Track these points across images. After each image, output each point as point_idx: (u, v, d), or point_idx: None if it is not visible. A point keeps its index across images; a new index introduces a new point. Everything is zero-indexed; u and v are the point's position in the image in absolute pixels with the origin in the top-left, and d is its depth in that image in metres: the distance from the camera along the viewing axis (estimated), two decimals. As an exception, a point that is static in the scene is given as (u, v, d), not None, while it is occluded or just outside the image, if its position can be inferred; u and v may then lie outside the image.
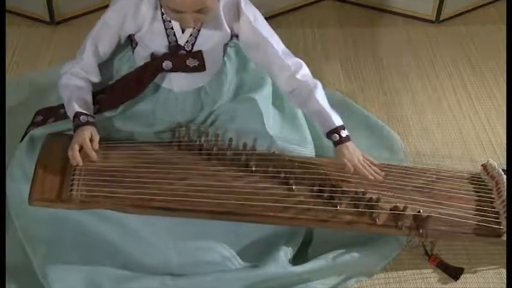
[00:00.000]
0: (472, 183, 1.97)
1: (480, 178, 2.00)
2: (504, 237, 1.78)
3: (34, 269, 1.70)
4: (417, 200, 1.82)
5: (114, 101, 1.89)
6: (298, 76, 1.87)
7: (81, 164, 1.72)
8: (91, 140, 1.75)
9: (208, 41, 1.83)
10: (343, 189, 1.80)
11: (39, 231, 1.73)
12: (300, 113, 2.07)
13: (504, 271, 1.83)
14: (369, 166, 1.82)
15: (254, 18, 1.84)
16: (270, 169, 1.83)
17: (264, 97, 1.99)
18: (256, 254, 1.75)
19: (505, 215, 1.82)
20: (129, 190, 1.69)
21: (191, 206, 1.68)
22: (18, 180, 1.79)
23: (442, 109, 2.51)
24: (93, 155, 1.74)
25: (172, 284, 1.67)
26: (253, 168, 1.83)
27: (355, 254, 1.78)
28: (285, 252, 1.75)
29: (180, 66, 1.84)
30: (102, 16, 1.84)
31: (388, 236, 1.83)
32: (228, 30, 1.84)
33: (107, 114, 1.89)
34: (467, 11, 3.13)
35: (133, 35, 1.84)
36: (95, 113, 1.83)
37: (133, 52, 1.89)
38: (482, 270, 1.85)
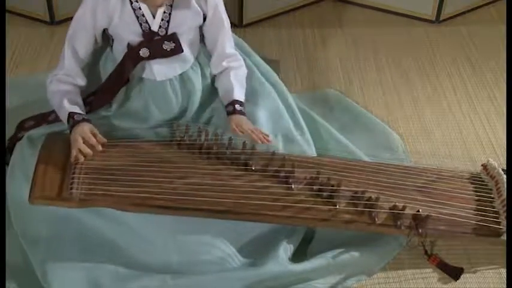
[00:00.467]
0: (471, 183, 1.97)
1: (480, 178, 2.00)
2: (504, 237, 1.78)
3: (34, 268, 1.70)
4: (417, 200, 1.82)
5: (102, 100, 1.90)
6: (226, 63, 1.93)
7: (91, 154, 1.74)
8: (93, 134, 1.76)
9: (182, 23, 1.84)
10: (342, 188, 1.80)
11: (39, 230, 1.74)
12: (298, 112, 2.07)
13: (504, 271, 1.83)
14: (258, 132, 1.83)
15: (219, 1, 1.89)
16: (269, 168, 1.83)
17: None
18: (256, 250, 1.75)
19: (505, 214, 1.82)
20: (128, 188, 1.69)
21: (191, 205, 1.68)
22: (18, 179, 1.80)
23: (442, 109, 2.51)
24: (98, 147, 1.75)
25: (173, 283, 1.67)
26: (253, 168, 1.83)
27: (355, 253, 1.78)
28: (285, 250, 1.75)
29: (157, 52, 1.84)
30: (74, 17, 1.84)
31: (387, 235, 1.83)
32: (199, 9, 1.85)
33: (103, 113, 1.90)
34: (467, 11, 3.13)
35: (107, 30, 1.84)
36: (86, 113, 1.84)
37: (112, 50, 1.89)
38: (482, 270, 1.84)
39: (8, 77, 2.46)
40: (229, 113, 1.87)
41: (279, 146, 1.92)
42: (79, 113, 1.79)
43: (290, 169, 1.82)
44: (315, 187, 1.80)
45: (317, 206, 1.75)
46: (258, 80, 2.05)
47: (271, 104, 2.02)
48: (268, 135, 1.85)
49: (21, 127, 1.95)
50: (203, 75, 1.95)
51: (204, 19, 1.88)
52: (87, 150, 1.74)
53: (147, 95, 1.90)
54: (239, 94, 1.91)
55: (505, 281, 1.79)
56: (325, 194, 1.79)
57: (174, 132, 1.91)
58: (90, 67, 1.93)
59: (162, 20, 1.82)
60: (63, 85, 1.85)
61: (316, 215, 1.74)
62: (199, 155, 1.85)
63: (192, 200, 1.68)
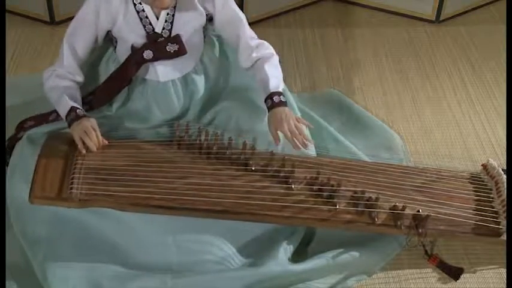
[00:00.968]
0: (471, 183, 1.97)
1: (480, 178, 2.00)
2: (503, 237, 1.78)
3: (34, 268, 1.70)
4: (416, 200, 1.82)
5: (102, 99, 1.90)
6: (255, 54, 1.90)
7: (94, 149, 1.75)
8: (94, 130, 1.76)
9: (185, 24, 1.83)
10: (342, 188, 1.80)
11: (39, 230, 1.73)
12: (298, 112, 2.07)
13: (504, 271, 1.83)
14: (299, 134, 1.79)
15: None
16: (269, 168, 1.83)
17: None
18: (256, 250, 1.75)
19: (504, 214, 1.82)
20: (128, 188, 1.69)
21: (190, 205, 1.68)
22: (18, 179, 1.79)
23: (442, 109, 2.51)
24: (100, 143, 1.75)
25: (173, 283, 1.67)
26: (253, 168, 1.83)
27: (355, 253, 1.78)
28: (285, 250, 1.75)
29: (161, 54, 1.84)
30: (75, 16, 1.84)
31: (387, 235, 1.83)
32: (202, 10, 1.84)
33: (103, 113, 1.90)
34: (467, 11, 3.13)
35: (111, 31, 1.84)
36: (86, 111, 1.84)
37: (115, 51, 1.89)
38: (482, 270, 1.85)
39: (8, 77, 2.45)
40: (268, 109, 1.83)
41: (279, 146, 1.92)
42: (80, 109, 1.79)
43: (290, 169, 1.82)
44: (314, 187, 1.80)
45: (317, 206, 1.75)
46: None
47: None
48: (307, 140, 1.82)
49: (21, 127, 1.95)
50: (206, 77, 1.95)
51: (210, 19, 1.87)
52: (91, 144, 1.75)
53: (149, 96, 1.90)
54: (275, 84, 1.86)
55: (505, 281, 1.79)
56: (325, 194, 1.79)
57: (175, 132, 1.91)
58: (92, 68, 1.93)
59: (166, 21, 1.82)
60: (62, 81, 1.85)
61: (316, 215, 1.74)
62: (199, 155, 1.85)
63: (192, 200, 1.68)
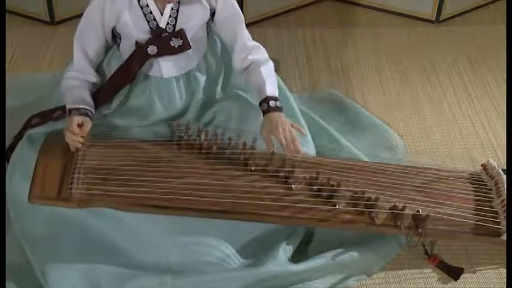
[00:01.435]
0: (471, 183, 1.97)
1: (480, 178, 2.00)
2: (503, 237, 1.78)
3: (34, 268, 1.70)
4: (416, 200, 1.82)
5: (105, 96, 1.89)
6: (252, 57, 1.90)
7: (78, 145, 1.75)
8: (80, 126, 1.76)
9: (190, 19, 1.83)
10: (342, 188, 1.79)
11: (38, 230, 1.74)
12: (298, 113, 2.07)
13: (504, 271, 1.83)
14: (292, 143, 1.78)
15: None
16: (269, 168, 1.83)
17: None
18: (255, 251, 1.75)
19: (504, 214, 1.82)
20: (128, 188, 1.69)
21: (190, 205, 1.68)
22: (18, 179, 1.79)
23: (442, 109, 2.51)
24: (78, 138, 1.75)
25: (172, 283, 1.67)
26: (253, 168, 1.83)
27: (355, 253, 1.78)
28: (285, 250, 1.75)
29: (165, 49, 1.83)
30: (83, 15, 1.84)
31: (387, 235, 1.83)
32: (207, 4, 1.84)
33: (102, 111, 1.90)
34: (467, 11, 3.13)
35: (115, 28, 1.84)
36: None
37: (119, 48, 1.89)
38: (482, 270, 1.84)
39: (8, 77, 2.45)
40: (264, 112, 1.83)
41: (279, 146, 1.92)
42: (76, 108, 1.79)
43: (290, 169, 1.82)
44: (314, 187, 1.80)
45: (317, 206, 1.75)
46: None
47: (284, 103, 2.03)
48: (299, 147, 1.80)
49: (28, 124, 1.95)
50: (208, 75, 1.95)
51: (213, 14, 1.87)
52: (76, 143, 1.75)
53: (152, 92, 1.90)
54: (272, 89, 1.86)
55: (505, 281, 1.79)
56: (324, 194, 1.79)
57: (174, 132, 1.91)
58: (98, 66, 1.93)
59: (170, 16, 1.81)
60: (72, 81, 1.86)
61: (315, 215, 1.74)
62: (199, 155, 1.85)
63: (191, 200, 1.68)
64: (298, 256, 1.79)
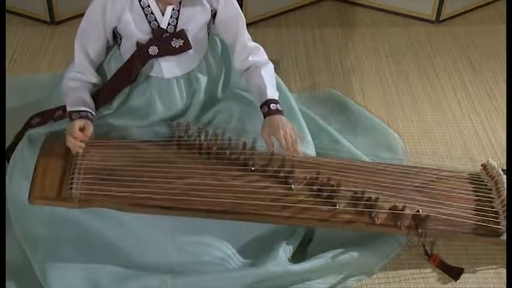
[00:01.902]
0: (471, 183, 1.97)
1: (480, 178, 2.00)
2: (503, 237, 1.78)
3: (34, 268, 1.70)
4: (416, 200, 1.82)
5: (107, 96, 1.89)
6: (252, 58, 1.90)
7: (80, 150, 1.75)
8: (82, 130, 1.76)
9: (191, 20, 1.83)
10: (342, 188, 1.80)
11: (39, 230, 1.74)
12: (299, 113, 2.07)
13: (504, 271, 1.83)
14: (292, 146, 1.79)
15: None
16: (269, 168, 1.83)
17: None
18: (256, 251, 1.75)
19: (504, 214, 1.82)
20: (127, 189, 1.69)
21: (190, 205, 1.68)
22: (18, 179, 1.80)
23: (442, 109, 2.51)
24: (80, 143, 1.75)
25: (172, 283, 1.67)
26: (253, 168, 1.83)
27: (355, 253, 1.78)
28: (285, 250, 1.75)
29: (166, 49, 1.83)
30: (84, 15, 1.84)
31: (387, 235, 1.83)
32: (208, 5, 1.84)
33: (102, 112, 1.90)
34: (467, 11, 3.13)
35: (116, 28, 1.84)
36: None
37: (119, 49, 1.89)
38: (482, 270, 1.84)
39: (8, 77, 2.46)
40: (264, 115, 1.83)
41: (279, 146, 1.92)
42: (77, 111, 1.79)
43: (290, 169, 1.82)
44: (314, 187, 1.80)
45: (317, 206, 1.75)
46: None
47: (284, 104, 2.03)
48: (298, 147, 1.81)
49: (29, 124, 1.95)
50: (209, 76, 1.95)
51: (214, 15, 1.87)
52: (77, 148, 1.75)
53: (152, 92, 1.90)
54: (272, 92, 1.86)
55: (505, 281, 1.79)
56: (324, 194, 1.79)
57: (174, 132, 1.91)
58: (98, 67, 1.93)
59: (171, 17, 1.81)
60: (72, 82, 1.86)
61: (315, 215, 1.74)
62: (199, 155, 1.85)
63: (191, 200, 1.68)
64: (298, 256, 1.79)
